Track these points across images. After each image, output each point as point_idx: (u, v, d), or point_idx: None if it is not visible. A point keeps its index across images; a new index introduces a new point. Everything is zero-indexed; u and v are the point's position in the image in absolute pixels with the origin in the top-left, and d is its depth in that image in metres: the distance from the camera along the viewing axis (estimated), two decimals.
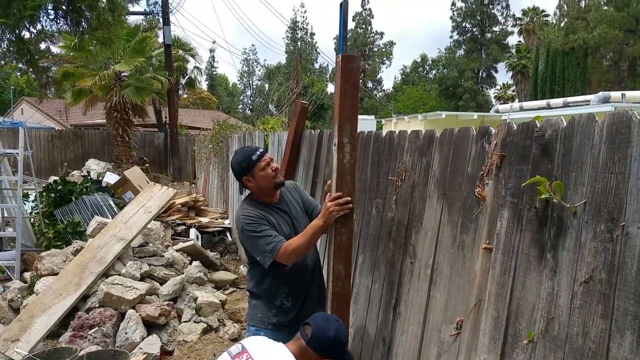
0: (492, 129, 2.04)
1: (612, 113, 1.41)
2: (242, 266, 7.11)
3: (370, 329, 2.94)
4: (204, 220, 8.53)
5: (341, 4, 2.32)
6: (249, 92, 65.95)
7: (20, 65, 9.08)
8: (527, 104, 14.08)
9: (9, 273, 6.21)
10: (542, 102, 13.41)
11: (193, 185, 13.84)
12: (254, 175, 2.64)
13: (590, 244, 1.45)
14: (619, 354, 1.34)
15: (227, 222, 8.61)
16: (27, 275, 5.69)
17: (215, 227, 8.32)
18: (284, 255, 2.50)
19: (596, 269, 1.42)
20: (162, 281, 4.96)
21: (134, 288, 4.51)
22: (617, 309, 1.35)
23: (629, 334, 1.32)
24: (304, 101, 4.59)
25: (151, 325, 4.43)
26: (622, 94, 10.87)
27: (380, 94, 56.22)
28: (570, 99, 12.46)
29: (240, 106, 63.92)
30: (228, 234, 8.29)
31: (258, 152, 2.65)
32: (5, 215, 7.53)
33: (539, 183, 1.60)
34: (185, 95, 32.43)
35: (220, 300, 5.05)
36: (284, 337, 2.75)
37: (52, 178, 11.39)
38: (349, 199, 2.37)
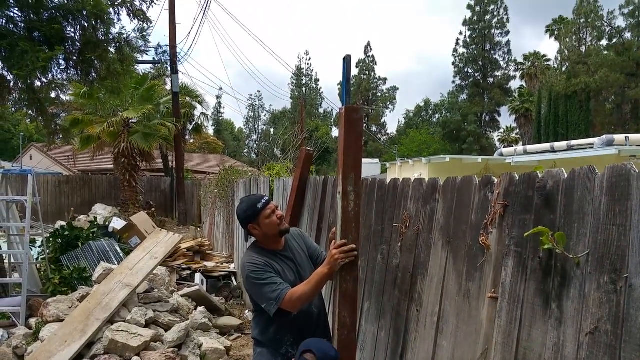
0: (494, 178, 2.08)
1: (611, 166, 1.45)
2: (247, 311, 7.04)
3: None
4: (209, 264, 8.51)
5: (344, 59, 2.41)
6: (254, 137, 66.76)
7: (30, 112, 9.27)
8: (530, 148, 14.17)
9: (14, 319, 6.17)
10: (546, 146, 13.48)
11: (199, 230, 13.86)
12: (259, 223, 2.66)
13: (594, 294, 1.47)
14: None
15: (232, 266, 8.58)
16: (32, 321, 5.66)
17: (220, 271, 8.29)
18: (289, 302, 2.49)
19: (601, 319, 1.43)
20: (167, 327, 4.92)
21: (138, 335, 4.48)
22: None
23: None
24: (308, 148, 4.67)
25: None
26: (625, 137, 10.95)
27: (384, 137, 56.81)
28: (574, 142, 12.55)
29: (245, 150, 64.55)
30: (233, 279, 8.25)
31: (263, 201, 2.68)
32: (12, 261, 7.55)
33: (542, 233, 1.63)
34: (192, 141, 32.87)
35: (225, 347, 4.99)
36: None
37: (59, 223, 11.46)
38: (354, 246, 2.39)
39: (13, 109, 11.02)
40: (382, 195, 3.03)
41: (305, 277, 2.65)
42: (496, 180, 2.04)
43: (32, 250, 8.34)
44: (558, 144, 13.16)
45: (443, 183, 2.40)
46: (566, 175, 1.65)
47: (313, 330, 2.75)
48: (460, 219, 2.24)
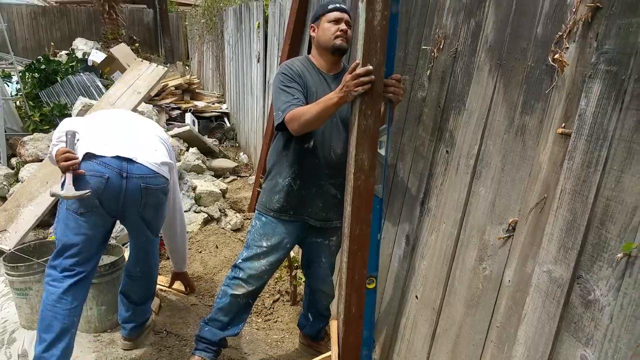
0: None
1: None
2: (242, 153, 6.75)
3: (391, 225, 2.60)
4: (200, 104, 8.02)
5: None
6: None
7: None
8: None
9: None
10: None
11: (187, 67, 13.08)
12: (319, 25, 2.36)
13: None
14: None
15: (224, 106, 8.11)
16: (13, 161, 5.36)
17: (212, 111, 7.84)
18: (291, 119, 2.17)
19: None
20: None
21: None
22: None
23: None
24: None
25: None
26: None
27: None
28: None
29: None
30: (226, 120, 7.82)
31: (337, 5, 2.35)
32: None
33: None
34: None
35: (220, 190, 4.73)
36: (284, 227, 2.45)
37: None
38: (370, 68, 1.86)
39: None
40: (406, 12, 2.43)
41: (336, 119, 2.33)
42: None
43: (8, 86, 7.76)
44: None
45: None
46: None
47: (326, 176, 2.42)
48: (518, 34, 1.70)
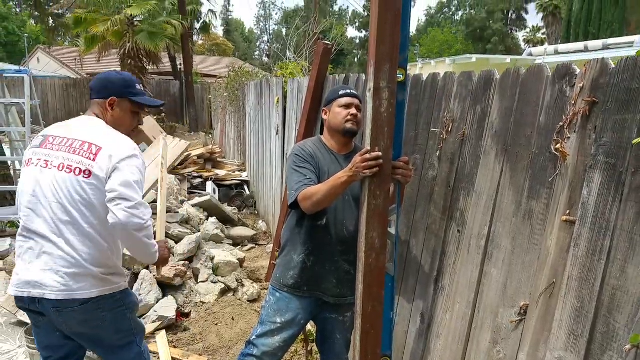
0: (575, 67, 1.59)
1: None
2: (260, 221, 6.82)
3: (406, 301, 2.60)
4: (221, 172, 8.21)
5: None
6: (265, 38, 64.34)
7: (30, 10, 8.60)
8: (562, 47, 13.14)
9: None
10: (579, 45, 12.47)
11: (209, 136, 13.49)
12: (331, 109, 2.49)
13: None
14: None
15: (244, 174, 8.29)
16: None
17: (232, 180, 8.01)
18: (303, 198, 2.25)
19: None
20: (177, 239, 4.68)
21: None
22: None
23: None
24: (326, 42, 4.09)
25: (166, 286, 4.18)
26: None
27: None
28: (610, 41, 11.55)
29: (257, 52, 62.49)
30: (246, 187, 7.98)
31: (347, 91, 2.49)
32: (18, 168, 7.31)
33: None
34: (200, 42, 31.57)
35: (238, 259, 4.77)
36: (298, 303, 2.46)
37: None
38: (379, 154, 1.94)
39: (18, 10, 10.31)
40: (416, 95, 2.55)
41: (348, 197, 2.41)
42: (579, 71, 1.56)
43: None
44: (592, 43, 12.13)
45: (501, 76, 1.91)
46: None
47: (339, 253, 2.45)
48: (522, 122, 1.78)
